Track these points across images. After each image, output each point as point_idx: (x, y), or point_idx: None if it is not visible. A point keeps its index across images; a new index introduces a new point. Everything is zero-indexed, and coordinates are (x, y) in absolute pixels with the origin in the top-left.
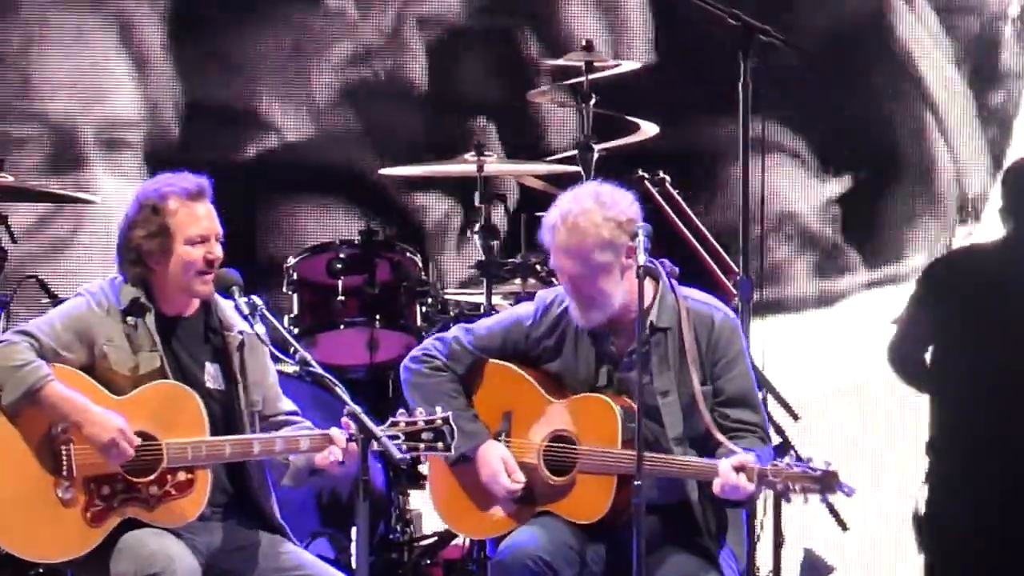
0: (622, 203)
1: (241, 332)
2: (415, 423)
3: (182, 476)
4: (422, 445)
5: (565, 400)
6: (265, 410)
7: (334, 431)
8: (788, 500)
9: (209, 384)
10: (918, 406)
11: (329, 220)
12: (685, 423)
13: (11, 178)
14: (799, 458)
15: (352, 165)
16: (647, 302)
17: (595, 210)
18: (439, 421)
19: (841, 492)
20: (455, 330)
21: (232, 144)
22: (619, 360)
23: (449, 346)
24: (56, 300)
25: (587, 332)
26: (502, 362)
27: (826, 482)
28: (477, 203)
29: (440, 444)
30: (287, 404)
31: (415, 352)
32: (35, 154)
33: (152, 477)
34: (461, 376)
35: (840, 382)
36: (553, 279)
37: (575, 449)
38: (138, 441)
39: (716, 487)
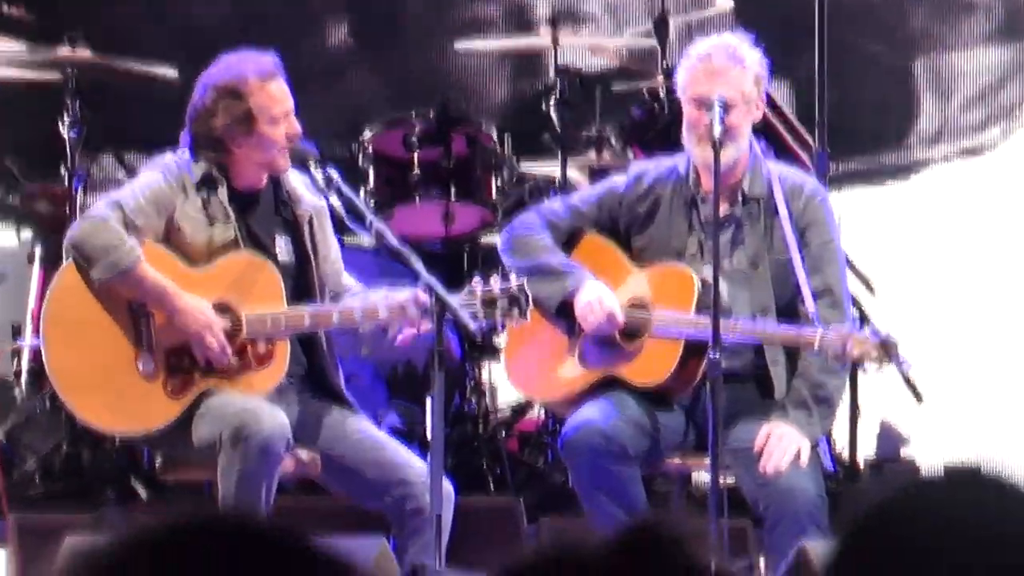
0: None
1: (311, 205)
2: (490, 291)
3: (261, 348)
4: (498, 312)
5: (648, 269)
6: (328, 286)
7: (409, 299)
8: (860, 367)
9: (281, 257)
10: (1000, 277)
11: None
12: (773, 291)
13: (89, 53)
14: (863, 324)
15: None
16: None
17: (749, 49)
18: (514, 288)
19: (896, 364)
20: (551, 200)
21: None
22: (710, 227)
23: (546, 214)
24: (131, 174)
25: (680, 198)
26: (593, 234)
27: (884, 349)
28: (552, 76)
29: (516, 311)
30: (348, 279)
31: (513, 222)
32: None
33: (232, 348)
34: (557, 244)
35: (917, 255)
36: (628, 152)
37: (649, 314)
38: (223, 339)
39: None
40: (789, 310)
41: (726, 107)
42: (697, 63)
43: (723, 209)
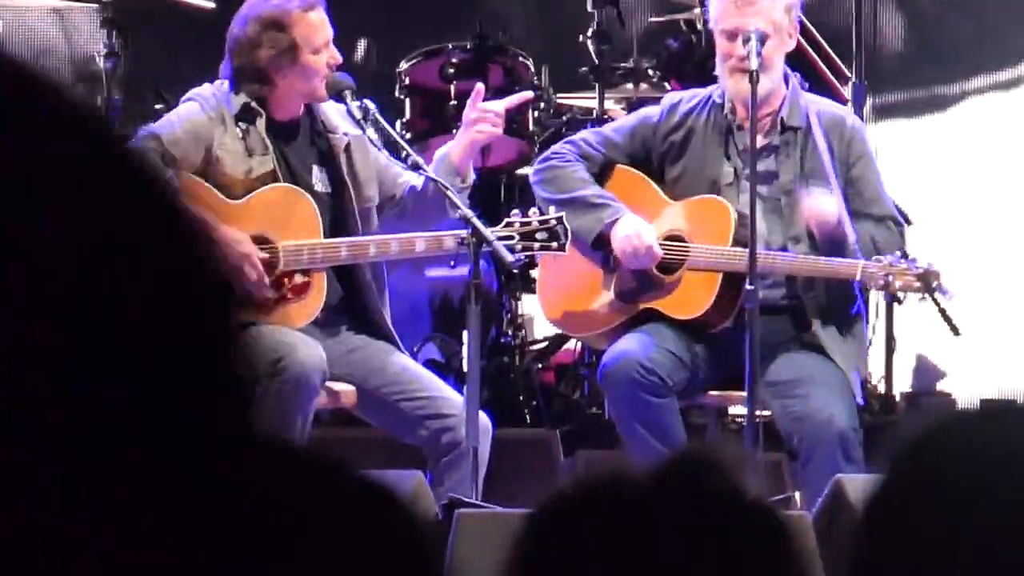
0: None
1: (346, 134)
2: (528, 223)
3: (298, 279)
4: (536, 245)
5: (683, 201)
6: (385, 193)
7: (446, 233)
8: (897, 300)
9: (317, 187)
10: None
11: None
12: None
13: None
14: (904, 257)
15: None
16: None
17: None
18: (553, 220)
19: (940, 293)
20: (584, 132)
21: None
22: (746, 156)
23: (579, 146)
24: (170, 106)
25: (715, 127)
26: (627, 167)
27: (926, 280)
28: (590, 7)
29: (555, 244)
30: (408, 176)
31: (546, 154)
32: None
33: (269, 280)
34: (591, 175)
35: (954, 188)
36: (666, 84)
37: (686, 247)
38: (261, 270)
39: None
40: (830, 239)
41: (759, 37)
42: None
43: (759, 139)
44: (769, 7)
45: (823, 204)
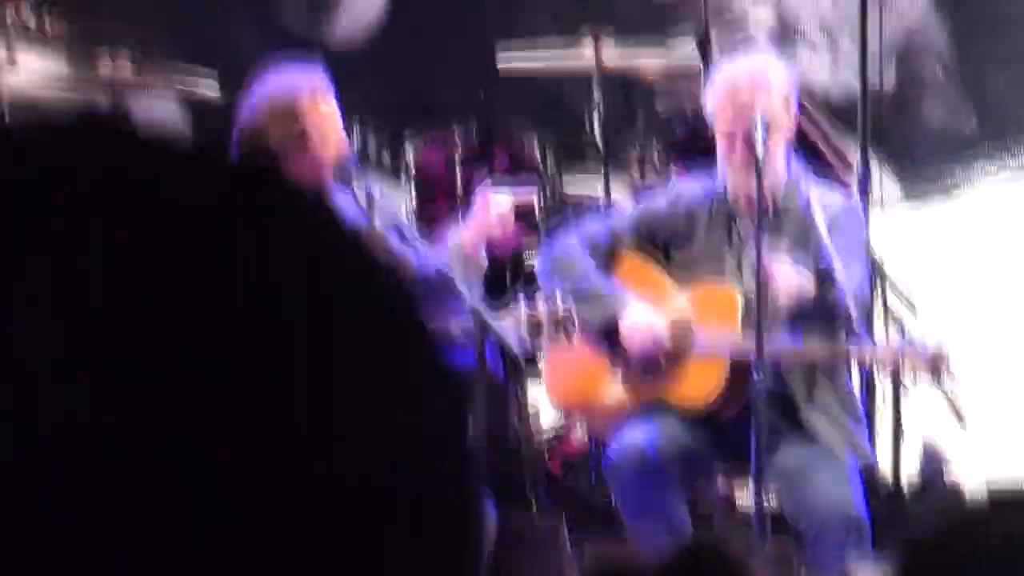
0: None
1: (354, 223)
2: (536, 315)
3: None
4: (544, 334)
5: (690, 288)
6: None
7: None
8: (903, 386)
9: None
10: None
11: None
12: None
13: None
14: (911, 340)
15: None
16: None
17: (776, 68)
18: (560, 310)
19: (948, 376)
20: (590, 221)
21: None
22: (747, 242)
23: (585, 235)
24: None
25: (718, 214)
26: (634, 255)
27: (935, 363)
28: (595, 94)
29: (562, 333)
30: (415, 262)
31: (552, 242)
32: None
33: None
34: (597, 265)
35: (963, 276)
36: (672, 169)
37: (692, 335)
38: None
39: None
40: (826, 322)
41: (761, 131)
42: (723, 94)
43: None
44: (766, 103)
45: (792, 280)
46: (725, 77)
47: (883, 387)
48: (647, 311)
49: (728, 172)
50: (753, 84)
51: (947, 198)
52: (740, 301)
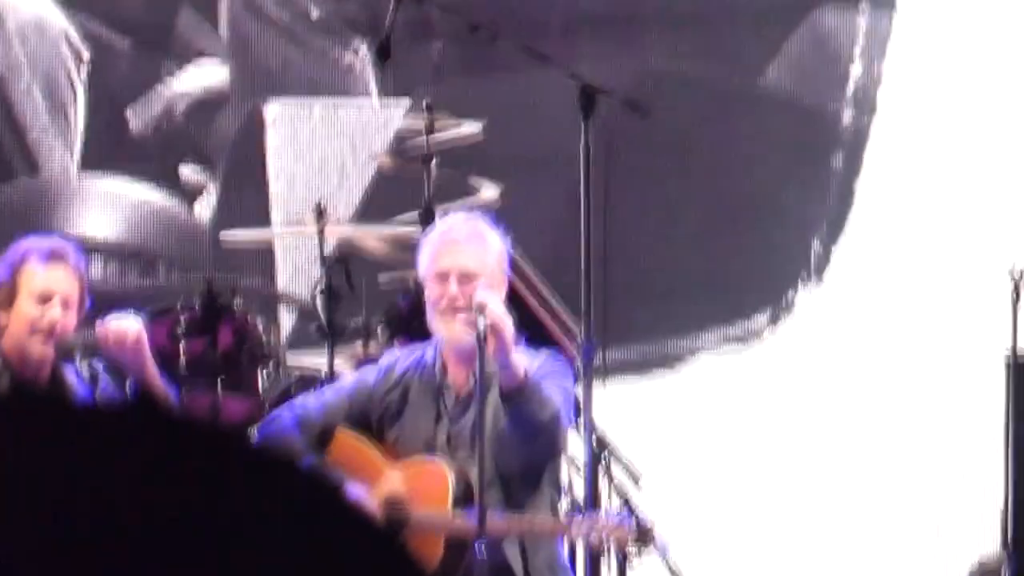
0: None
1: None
2: None
3: None
4: None
5: (402, 464)
6: None
7: None
8: (628, 554)
9: None
10: (766, 464)
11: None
12: (496, 468)
13: None
14: (620, 512)
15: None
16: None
17: (491, 230)
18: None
19: (655, 548)
20: (306, 395)
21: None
22: (452, 413)
23: (297, 413)
24: None
25: (426, 386)
26: (346, 431)
27: (642, 535)
28: (319, 266)
29: None
30: None
31: (264, 421)
32: None
33: None
34: (308, 443)
35: (690, 448)
36: (395, 342)
37: (406, 513)
38: None
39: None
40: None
41: (470, 277)
42: (438, 239)
43: (465, 390)
44: (480, 250)
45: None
46: (442, 226)
47: (607, 557)
48: (355, 493)
49: (439, 324)
50: (469, 231)
51: (671, 371)
52: (451, 479)
